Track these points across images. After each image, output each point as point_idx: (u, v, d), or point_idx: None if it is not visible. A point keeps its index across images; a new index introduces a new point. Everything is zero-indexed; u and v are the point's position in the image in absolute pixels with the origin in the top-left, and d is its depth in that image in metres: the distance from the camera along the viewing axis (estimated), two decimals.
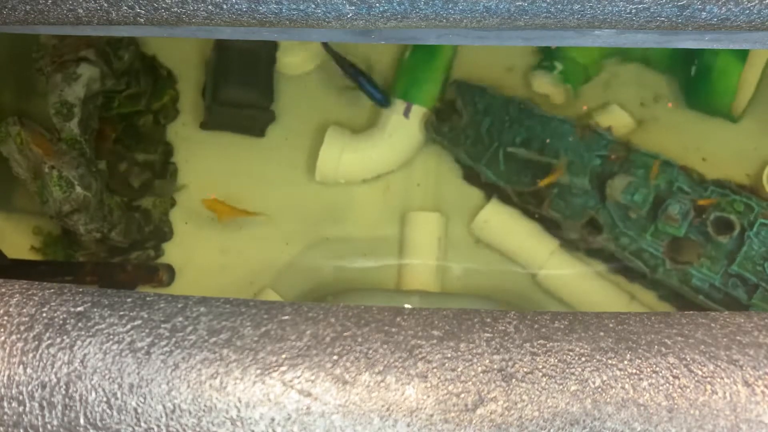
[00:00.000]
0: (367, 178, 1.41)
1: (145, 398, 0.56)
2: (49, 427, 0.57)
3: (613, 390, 0.55)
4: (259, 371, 0.57)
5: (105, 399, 0.57)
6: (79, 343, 0.58)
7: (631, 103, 1.37)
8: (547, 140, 1.30)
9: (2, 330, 0.60)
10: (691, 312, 0.62)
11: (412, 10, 0.66)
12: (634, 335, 0.59)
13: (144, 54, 1.42)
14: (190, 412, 0.56)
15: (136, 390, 0.57)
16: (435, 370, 0.56)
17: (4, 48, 1.37)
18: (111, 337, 0.59)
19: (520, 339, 0.58)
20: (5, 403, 0.57)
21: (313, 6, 0.66)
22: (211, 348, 0.58)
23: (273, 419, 0.55)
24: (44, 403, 0.57)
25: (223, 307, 0.62)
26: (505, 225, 1.35)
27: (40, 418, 0.57)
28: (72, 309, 0.61)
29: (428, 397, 0.55)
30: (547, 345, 0.58)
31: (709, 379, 0.56)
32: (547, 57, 1.36)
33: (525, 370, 0.56)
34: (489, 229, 1.36)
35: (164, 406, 0.56)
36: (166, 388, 0.57)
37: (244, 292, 1.39)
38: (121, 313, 0.61)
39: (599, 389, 0.55)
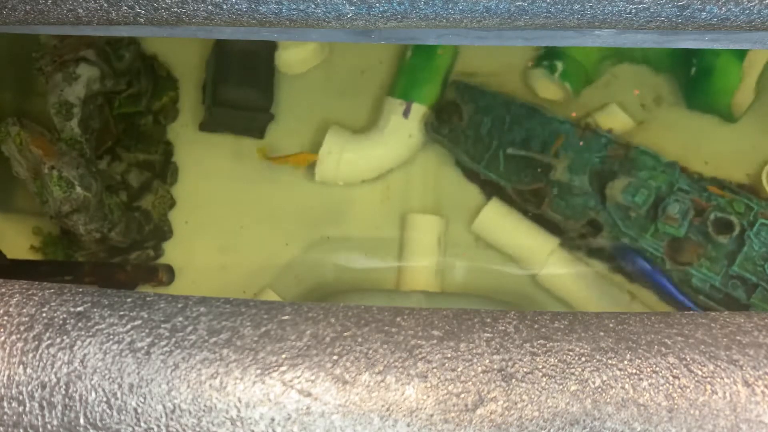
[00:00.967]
0: (367, 178, 1.42)
1: (145, 398, 0.56)
2: (49, 427, 0.57)
3: (613, 390, 0.55)
4: (259, 371, 0.57)
5: (105, 399, 0.57)
6: (79, 343, 0.58)
7: (631, 103, 1.37)
8: (555, 143, 1.30)
9: (2, 330, 0.60)
10: (691, 312, 0.62)
11: (412, 10, 0.66)
12: (634, 335, 0.59)
13: (144, 54, 1.42)
14: (190, 412, 0.56)
15: (136, 390, 0.57)
16: (435, 370, 0.56)
17: (4, 48, 1.37)
18: (111, 337, 0.59)
19: (520, 339, 0.58)
20: (5, 403, 0.57)
21: (313, 6, 0.66)
22: (211, 348, 0.58)
23: (273, 419, 0.55)
24: (44, 403, 0.57)
25: (223, 307, 0.62)
26: (505, 225, 1.35)
27: (40, 418, 0.57)
28: (72, 309, 0.61)
29: (428, 397, 0.55)
30: (547, 345, 0.58)
31: (709, 379, 0.56)
32: (547, 57, 1.36)
33: (525, 370, 0.56)
34: (489, 228, 1.36)
35: (164, 406, 0.56)
36: (166, 388, 0.57)
37: (244, 292, 1.39)
38: (121, 313, 0.61)
39: (599, 389, 0.55)
